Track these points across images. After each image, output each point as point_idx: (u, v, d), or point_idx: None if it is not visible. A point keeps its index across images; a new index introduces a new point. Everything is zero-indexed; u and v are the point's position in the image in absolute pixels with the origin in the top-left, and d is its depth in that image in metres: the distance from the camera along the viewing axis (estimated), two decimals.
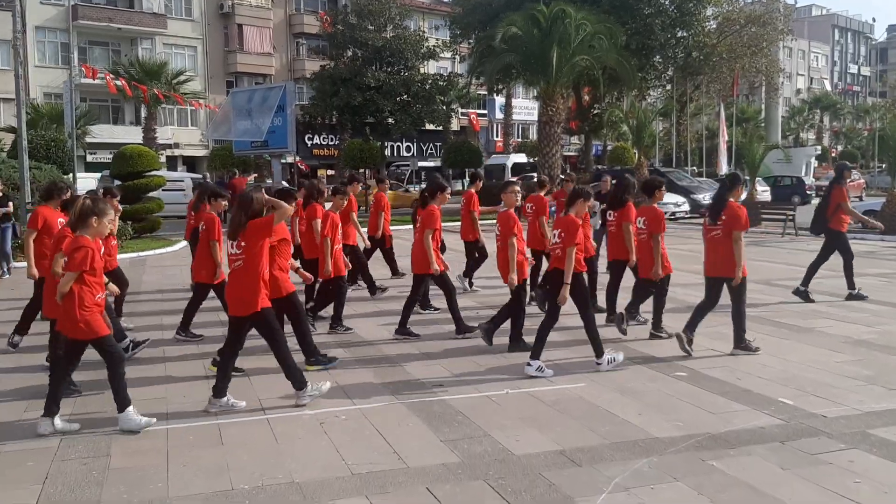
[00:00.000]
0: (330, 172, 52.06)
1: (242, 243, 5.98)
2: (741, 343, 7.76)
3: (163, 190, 24.03)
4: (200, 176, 28.07)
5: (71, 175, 23.32)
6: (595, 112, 40.96)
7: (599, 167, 42.52)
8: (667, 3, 35.12)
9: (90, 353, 5.72)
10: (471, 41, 38.07)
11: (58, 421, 5.60)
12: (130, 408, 5.64)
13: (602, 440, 5.38)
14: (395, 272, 13.13)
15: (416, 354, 7.94)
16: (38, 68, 43.44)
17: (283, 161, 32.76)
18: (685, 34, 36.42)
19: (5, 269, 14.76)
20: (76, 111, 32.91)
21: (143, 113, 41.94)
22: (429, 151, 56.33)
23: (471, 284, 11.89)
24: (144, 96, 32.16)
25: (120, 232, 18.53)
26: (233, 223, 6.03)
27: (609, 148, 54.10)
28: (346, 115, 39.22)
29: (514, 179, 13.54)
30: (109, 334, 5.72)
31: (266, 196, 6.12)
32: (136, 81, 33.48)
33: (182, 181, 31.36)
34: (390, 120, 39.55)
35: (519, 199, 8.34)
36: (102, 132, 42.18)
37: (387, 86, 38.08)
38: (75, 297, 5.52)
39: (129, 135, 41.70)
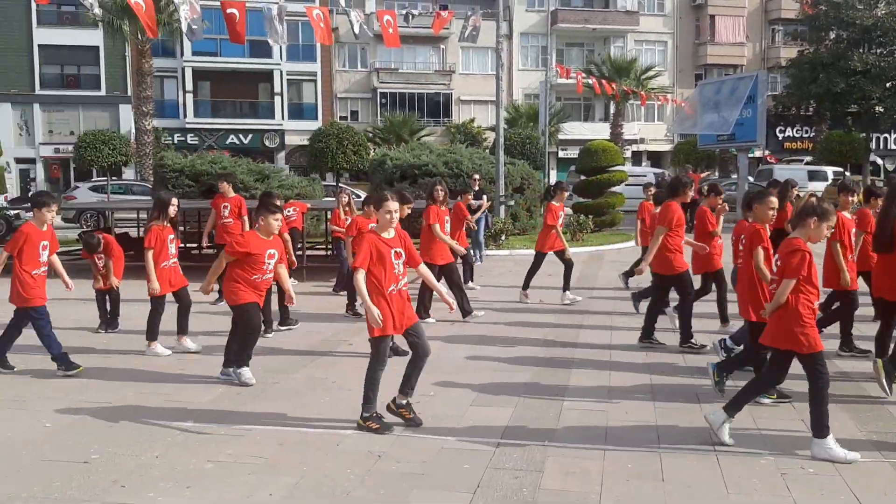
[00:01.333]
0: (806, 159, 48.01)
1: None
2: None
3: (625, 185, 24.16)
4: (661, 171, 27.70)
5: (542, 170, 24.74)
6: None
7: None
8: None
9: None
10: None
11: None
12: (830, 437, 4.97)
13: None
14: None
15: None
16: (520, 71, 47.41)
17: (750, 155, 30.74)
18: None
19: (478, 257, 16.00)
20: (550, 110, 35.04)
21: (612, 110, 43.05)
22: None
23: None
24: (616, 94, 32.81)
25: (581, 226, 19.02)
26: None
27: None
28: (825, 103, 35.53)
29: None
30: (822, 350, 5.07)
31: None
32: (606, 79, 34.39)
33: (644, 176, 31.42)
34: (879, 108, 34.72)
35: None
36: (573, 129, 44.41)
37: (876, 69, 33.48)
38: (795, 310, 5.00)
39: (598, 131, 43.16)
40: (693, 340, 7.99)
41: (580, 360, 7.67)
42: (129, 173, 36.29)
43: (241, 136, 44.29)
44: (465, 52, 46.73)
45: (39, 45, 41.12)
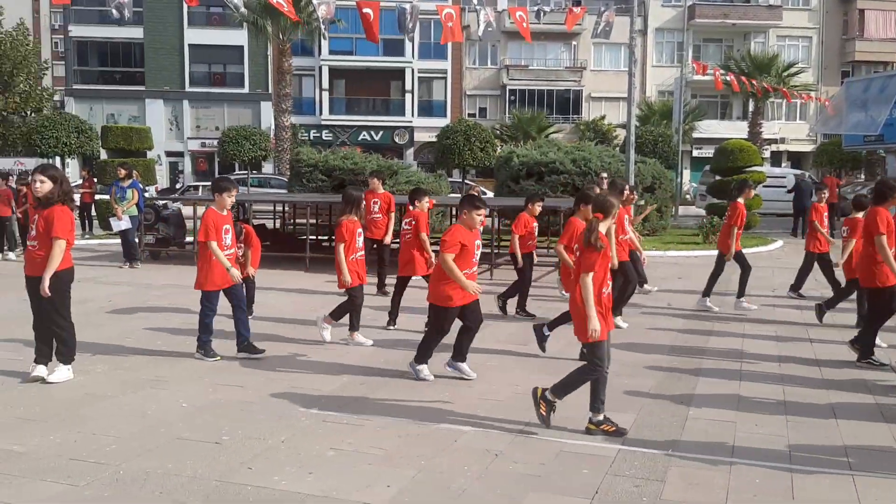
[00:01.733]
0: None
1: None
2: None
3: (763, 186, 23.13)
4: (801, 172, 26.33)
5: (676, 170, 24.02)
6: None
7: None
8: None
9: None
10: None
11: None
12: None
13: None
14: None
15: None
16: (654, 68, 46.21)
17: None
18: None
19: None
20: (685, 107, 33.96)
21: (751, 108, 41.30)
22: None
23: None
24: (757, 90, 31.44)
25: (714, 228, 18.34)
26: None
27: None
28: None
29: None
30: None
31: None
32: (746, 76, 32.96)
33: (784, 177, 29.94)
34: None
35: None
36: (709, 127, 42.89)
37: None
38: None
39: (735, 130, 41.49)
40: (874, 357, 7.47)
41: (708, 368, 7.40)
42: (267, 167, 37.91)
43: (372, 132, 45.42)
44: (597, 49, 45.98)
45: (189, 45, 43.72)
